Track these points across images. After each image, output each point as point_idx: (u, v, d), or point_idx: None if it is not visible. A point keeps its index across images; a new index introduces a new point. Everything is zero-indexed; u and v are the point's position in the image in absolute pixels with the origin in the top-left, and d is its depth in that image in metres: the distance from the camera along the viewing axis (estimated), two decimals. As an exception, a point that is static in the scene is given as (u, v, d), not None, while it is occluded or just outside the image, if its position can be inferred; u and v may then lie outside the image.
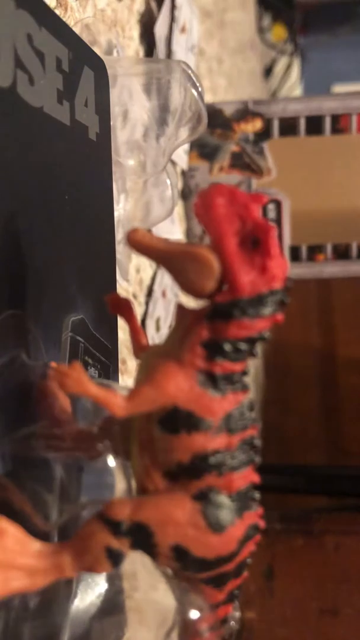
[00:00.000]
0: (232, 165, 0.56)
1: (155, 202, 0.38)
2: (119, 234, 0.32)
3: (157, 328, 0.45)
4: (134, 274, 0.41)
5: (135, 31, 0.40)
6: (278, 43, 1.70)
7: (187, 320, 0.18)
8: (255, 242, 0.17)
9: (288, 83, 1.86)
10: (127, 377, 0.36)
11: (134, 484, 0.19)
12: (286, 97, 1.66)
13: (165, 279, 0.46)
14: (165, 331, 0.47)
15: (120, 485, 0.22)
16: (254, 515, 0.19)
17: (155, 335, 0.45)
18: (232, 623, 0.21)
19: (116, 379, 0.29)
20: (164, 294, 0.46)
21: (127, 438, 0.19)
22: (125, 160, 0.33)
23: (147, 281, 0.44)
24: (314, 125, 0.56)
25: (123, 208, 0.34)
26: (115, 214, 0.30)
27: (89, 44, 0.28)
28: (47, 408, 0.22)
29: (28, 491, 0.20)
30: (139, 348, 0.21)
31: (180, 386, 0.18)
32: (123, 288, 0.38)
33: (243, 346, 0.18)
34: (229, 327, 0.17)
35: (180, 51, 0.46)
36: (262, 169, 0.56)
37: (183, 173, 0.56)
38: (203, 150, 0.56)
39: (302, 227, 0.58)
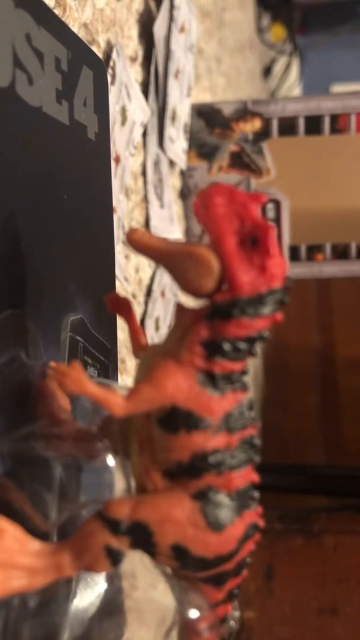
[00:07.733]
0: (231, 165, 0.56)
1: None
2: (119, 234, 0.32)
3: (157, 328, 0.45)
4: (133, 274, 0.41)
5: (134, 31, 0.40)
6: (277, 43, 1.70)
7: (187, 320, 0.18)
8: (254, 242, 0.17)
9: (287, 83, 1.86)
10: (127, 377, 0.36)
11: (133, 483, 0.19)
12: (285, 96, 1.66)
13: (164, 279, 0.46)
14: (164, 331, 0.47)
15: (119, 484, 0.22)
16: (254, 515, 0.19)
17: (155, 335, 0.45)
18: (232, 622, 0.21)
19: (115, 379, 0.29)
20: (163, 294, 0.46)
21: (126, 437, 0.19)
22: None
23: (146, 281, 0.44)
24: (313, 125, 0.56)
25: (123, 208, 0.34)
26: (115, 214, 0.30)
27: (87, 44, 0.28)
28: (47, 408, 0.22)
29: (28, 491, 0.20)
30: (138, 348, 0.21)
31: (179, 385, 0.18)
32: (122, 288, 0.38)
33: (242, 346, 0.18)
34: (229, 326, 0.17)
35: (179, 51, 0.46)
36: (261, 169, 0.56)
37: (182, 173, 0.56)
38: (202, 149, 0.56)
39: (301, 227, 0.58)
